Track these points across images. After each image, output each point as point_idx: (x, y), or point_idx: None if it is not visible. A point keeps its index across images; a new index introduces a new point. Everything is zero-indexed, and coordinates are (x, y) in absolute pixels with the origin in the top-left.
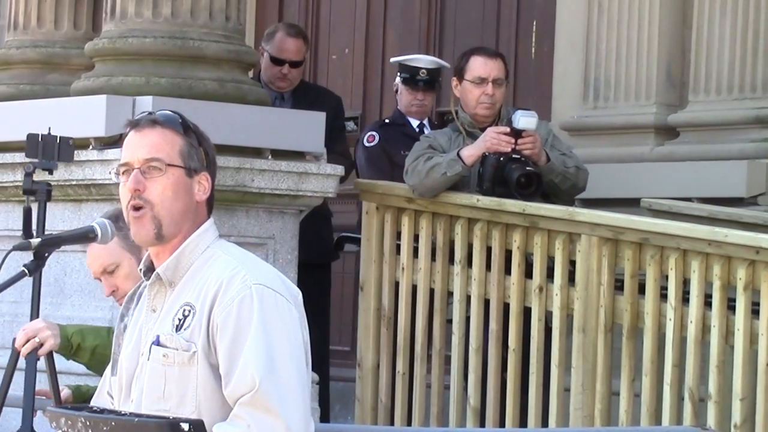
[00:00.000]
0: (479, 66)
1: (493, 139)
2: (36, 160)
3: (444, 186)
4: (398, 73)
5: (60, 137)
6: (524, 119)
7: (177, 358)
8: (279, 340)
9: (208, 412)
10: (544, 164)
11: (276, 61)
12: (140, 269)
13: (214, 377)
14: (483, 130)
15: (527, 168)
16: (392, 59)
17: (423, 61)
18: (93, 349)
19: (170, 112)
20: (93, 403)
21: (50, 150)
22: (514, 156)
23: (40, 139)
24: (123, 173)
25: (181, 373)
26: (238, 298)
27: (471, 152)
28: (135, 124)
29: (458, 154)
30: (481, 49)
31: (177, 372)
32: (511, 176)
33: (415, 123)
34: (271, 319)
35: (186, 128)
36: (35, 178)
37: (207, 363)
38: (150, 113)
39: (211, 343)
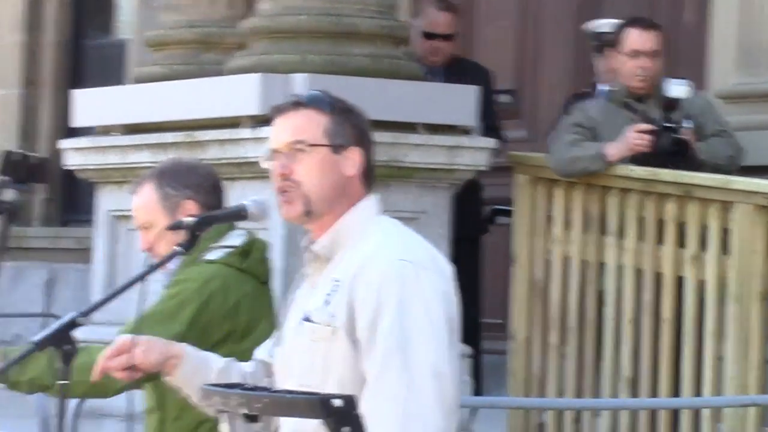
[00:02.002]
0: (634, 38)
1: (636, 140)
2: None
3: (584, 175)
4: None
5: (36, 157)
6: (676, 87)
7: (322, 333)
8: (417, 319)
9: (351, 388)
10: (697, 155)
11: (428, 35)
12: (303, 246)
13: (357, 353)
14: (639, 100)
15: (675, 136)
16: (585, 26)
17: (608, 25)
18: (30, 381)
19: (315, 92)
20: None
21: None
22: (665, 125)
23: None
24: (272, 158)
25: (326, 348)
26: (380, 274)
27: (615, 152)
28: (279, 109)
29: (603, 152)
30: (637, 20)
31: (322, 347)
32: (662, 144)
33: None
34: (411, 296)
35: (332, 106)
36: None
37: (348, 339)
38: (295, 96)
39: (353, 319)
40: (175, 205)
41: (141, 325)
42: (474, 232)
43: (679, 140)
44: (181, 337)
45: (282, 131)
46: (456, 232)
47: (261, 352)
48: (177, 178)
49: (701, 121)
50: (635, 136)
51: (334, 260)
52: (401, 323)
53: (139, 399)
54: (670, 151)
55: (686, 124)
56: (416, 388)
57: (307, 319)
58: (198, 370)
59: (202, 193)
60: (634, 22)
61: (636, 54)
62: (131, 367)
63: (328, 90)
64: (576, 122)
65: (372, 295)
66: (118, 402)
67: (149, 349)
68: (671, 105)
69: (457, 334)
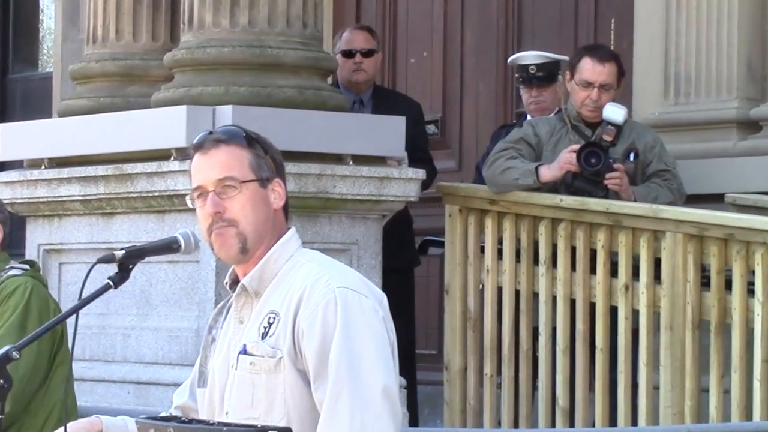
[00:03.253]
0: (587, 70)
1: (566, 161)
2: None
3: (513, 190)
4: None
5: None
6: (609, 108)
7: (263, 365)
8: (363, 342)
9: (297, 418)
10: (630, 201)
11: (347, 53)
12: (226, 282)
13: (303, 382)
14: (588, 125)
15: (592, 144)
16: (509, 60)
17: (529, 57)
18: None
19: (232, 127)
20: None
21: None
22: (589, 141)
23: None
24: (198, 197)
25: (269, 380)
26: (322, 302)
27: (548, 173)
28: (199, 147)
29: (536, 168)
30: (595, 50)
31: (264, 379)
32: (581, 158)
33: None
34: (355, 321)
35: (249, 140)
36: None
37: (294, 368)
38: (210, 132)
39: (297, 348)
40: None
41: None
42: (406, 264)
43: (594, 151)
44: (47, 347)
45: (208, 169)
46: (388, 263)
47: (180, 397)
48: None
49: (648, 157)
50: (566, 158)
51: (265, 293)
52: (349, 348)
53: None
54: (588, 162)
55: (630, 159)
56: (370, 408)
57: (245, 353)
58: None
59: (7, 225)
60: (591, 51)
61: (588, 85)
62: None
63: (256, 122)
64: (521, 137)
65: (317, 323)
66: None
67: None
68: (610, 131)
69: (396, 359)
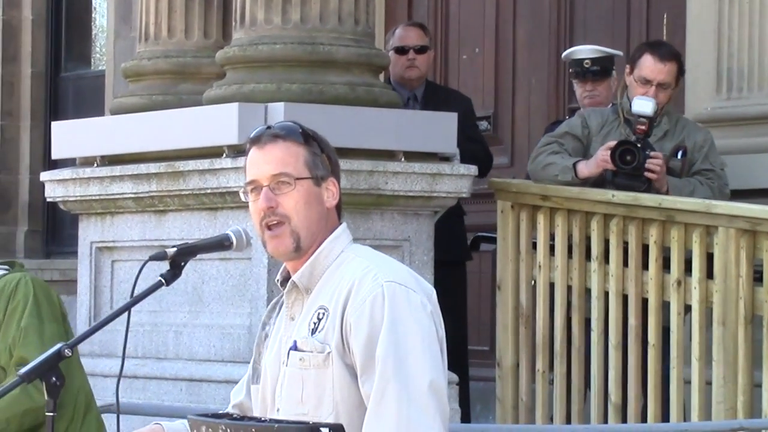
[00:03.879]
0: (647, 67)
1: (602, 156)
2: None
3: (554, 184)
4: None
5: None
6: (637, 102)
7: (313, 361)
8: (410, 336)
9: (345, 412)
10: (664, 192)
11: (400, 50)
12: (277, 280)
13: (351, 377)
14: None
15: (625, 143)
16: (563, 54)
17: (584, 51)
18: (21, 414)
19: (289, 123)
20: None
21: None
22: (621, 141)
23: None
24: (251, 191)
25: (318, 375)
26: (370, 297)
27: (585, 169)
28: (256, 141)
29: (574, 165)
30: (656, 48)
31: (314, 374)
32: (615, 157)
33: None
34: (403, 315)
35: (306, 137)
36: None
37: (342, 363)
38: (268, 127)
39: (345, 343)
40: None
41: (27, 341)
42: (459, 259)
43: (630, 149)
44: (63, 333)
45: (263, 163)
46: (440, 257)
47: (237, 395)
48: None
49: (695, 156)
50: (602, 155)
51: (315, 290)
52: (396, 343)
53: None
54: (623, 160)
55: (678, 157)
56: (416, 403)
57: (296, 349)
58: None
59: None
60: (653, 48)
61: (646, 83)
62: None
63: (308, 118)
64: (566, 131)
65: (364, 318)
66: None
67: None
68: (636, 120)
69: (444, 355)
